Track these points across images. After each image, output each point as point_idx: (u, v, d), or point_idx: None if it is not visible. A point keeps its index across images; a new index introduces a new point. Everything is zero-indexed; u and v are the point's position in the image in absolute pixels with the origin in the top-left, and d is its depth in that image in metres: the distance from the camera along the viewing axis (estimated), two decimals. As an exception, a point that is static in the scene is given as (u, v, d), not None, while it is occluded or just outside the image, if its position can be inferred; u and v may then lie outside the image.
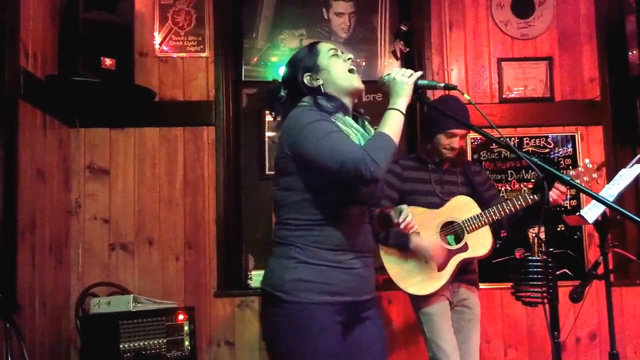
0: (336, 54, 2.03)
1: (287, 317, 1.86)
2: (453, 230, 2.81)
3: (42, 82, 3.25)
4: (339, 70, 2.01)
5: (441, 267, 2.76)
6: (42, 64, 3.27)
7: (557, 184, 2.64)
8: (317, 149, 1.84)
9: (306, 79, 2.00)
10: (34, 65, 3.18)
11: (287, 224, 1.93)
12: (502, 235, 3.76)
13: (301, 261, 1.88)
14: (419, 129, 3.75)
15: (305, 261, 1.88)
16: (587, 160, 2.76)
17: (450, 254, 2.77)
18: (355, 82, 2.02)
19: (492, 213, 2.78)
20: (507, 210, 2.76)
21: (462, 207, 2.82)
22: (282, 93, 2.06)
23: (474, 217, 2.79)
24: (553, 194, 2.63)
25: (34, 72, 3.16)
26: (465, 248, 2.78)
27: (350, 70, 2.02)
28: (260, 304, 2.01)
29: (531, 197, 2.72)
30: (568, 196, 2.75)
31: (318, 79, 2.00)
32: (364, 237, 1.99)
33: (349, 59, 2.03)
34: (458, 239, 2.81)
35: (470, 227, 2.78)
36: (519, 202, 2.74)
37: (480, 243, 2.80)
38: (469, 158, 3.80)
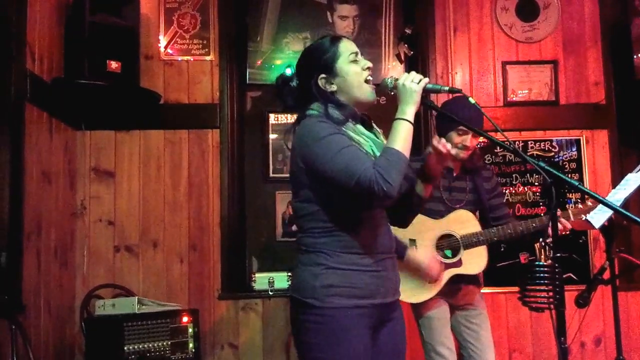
0: (356, 60, 1.98)
1: (318, 323, 1.87)
2: (449, 244, 2.78)
3: (48, 85, 3.25)
4: (355, 80, 1.96)
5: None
6: (49, 67, 3.28)
7: (562, 219, 2.64)
8: (331, 165, 1.83)
9: (321, 82, 1.96)
10: (40, 68, 3.19)
11: (311, 232, 1.93)
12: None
13: (329, 267, 1.88)
14: (432, 129, 3.72)
15: (333, 267, 1.88)
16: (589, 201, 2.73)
17: (444, 267, 2.75)
18: (370, 95, 1.98)
19: (491, 234, 2.75)
20: (507, 235, 2.74)
21: (463, 222, 2.78)
22: (294, 83, 2.03)
23: (473, 234, 2.76)
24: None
25: (40, 75, 3.17)
26: (459, 264, 2.76)
27: (367, 81, 1.97)
28: (290, 311, 2.00)
29: (533, 225, 2.71)
30: (565, 233, 2.72)
31: (333, 84, 1.97)
32: (385, 238, 1.99)
33: (367, 67, 1.98)
34: (454, 253, 2.78)
35: (467, 244, 2.75)
36: (520, 229, 2.72)
37: (475, 261, 2.77)
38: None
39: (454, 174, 2.87)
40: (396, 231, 2.65)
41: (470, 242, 2.75)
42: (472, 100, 1.96)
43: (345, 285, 1.88)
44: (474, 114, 2.54)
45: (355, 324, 1.87)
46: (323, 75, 1.96)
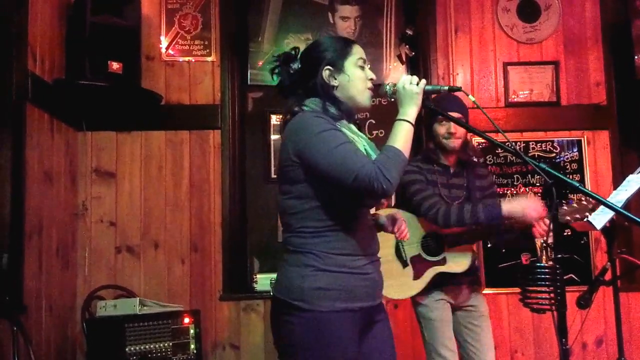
0: (363, 67, 2.00)
1: (306, 325, 1.84)
2: (434, 243, 2.77)
3: (50, 86, 3.26)
4: (358, 84, 1.97)
5: (417, 276, 2.75)
6: (50, 68, 3.29)
7: (544, 222, 2.57)
8: (329, 160, 1.81)
9: (325, 73, 1.96)
10: (42, 69, 3.19)
11: (301, 231, 1.90)
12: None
13: (319, 269, 1.86)
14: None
15: (324, 269, 1.86)
16: (583, 199, 2.69)
17: (428, 265, 2.75)
18: (367, 101, 2.00)
19: (475, 234, 2.74)
20: (490, 233, 2.74)
21: None
22: (296, 65, 2.03)
23: (456, 233, 2.74)
24: (539, 228, 2.57)
25: (42, 76, 3.17)
26: (443, 262, 2.76)
27: (368, 89, 1.99)
28: (272, 311, 1.98)
29: (516, 224, 2.65)
30: (546, 238, 2.68)
31: (336, 80, 1.97)
32: (373, 240, 1.99)
33: (371, 79, 2.00)
34: (438, 251, 2.77)
35: (451, 243, 2.74)
36: (503, 228, 2.69)
37: (458, 260, 2.76)
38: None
39: (451, 171, 2.87)
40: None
41: (454, 240, 2.74)
42: (472, 97, 1.97)
43: (336, 288, 1.85)
44: (453, 101, 2.65)
45: (345, 327, 1.85)
46: (329, 68, 1.97)
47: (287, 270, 1.92)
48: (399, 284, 2.74)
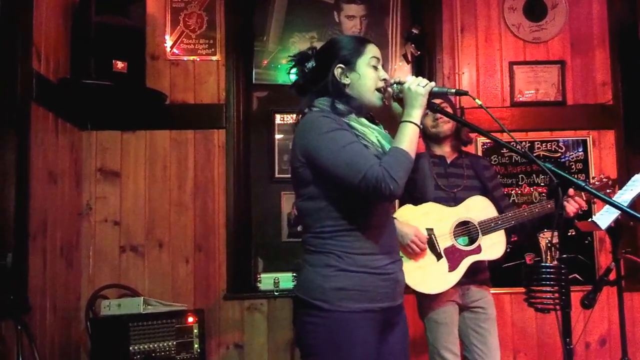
0: (376, 66, 1.99)
1: (327, 325, 1.84)
2: (467, 231, 2.78)
3: (55, 85, 3.26)
4: (369, 83, 1.97)
5: (452, 268, 2.74)
6: (55, 67, 3.29)
7: (576, 198, 2.63)
8: (336, 160, 1.82)
9: (337, 71, 1.97)
10: (47, 68, 3.20)
11: (320, 232, 1.90)
12: (512, 239, 3.73)
13: (340, 269, 1.86)
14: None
15: (344, 269, 1.86)
16: (602, 175, 2.76)
17: (463, 254, 2.74)
18: (377, 101, 1.99)
19: (509, 217, 2.75)
20: (523, 217, 2.74)
21: (479, 208, 2.79)
22: (310, 64, 2.03)
23: (490, 219, 2.76)
24: (571, 207, 2.63)
25: (47, 75, 3.18)
26: (478, 250, 2.75)
27: (378, 90, 1.98)
28: (293, 311, 1.99)
29: (549, 205, 2.70)
30: (580, 212, 2.70)
31: (347, 78, 1.97)
32: (392, 238, 1.99)
33: (383, 79, 1.99)
34: (472, 240, 2.77)
35: (486, 230, 2.75)
36: (537, 210, 2.72)
37: (494, 247, 2.76)
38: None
39: (448, 161, 2.90)
40: (414, 221, 2.67)
41: (488, 227, 2.75)
42: (478, 101, 1.97)
43: (357, 288, 1.86)
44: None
45: (365, 328, 1.86)
46: (341, 66, 1.97)
47: (308, 270, 1.92)
48: (434, 278, 2.72)
